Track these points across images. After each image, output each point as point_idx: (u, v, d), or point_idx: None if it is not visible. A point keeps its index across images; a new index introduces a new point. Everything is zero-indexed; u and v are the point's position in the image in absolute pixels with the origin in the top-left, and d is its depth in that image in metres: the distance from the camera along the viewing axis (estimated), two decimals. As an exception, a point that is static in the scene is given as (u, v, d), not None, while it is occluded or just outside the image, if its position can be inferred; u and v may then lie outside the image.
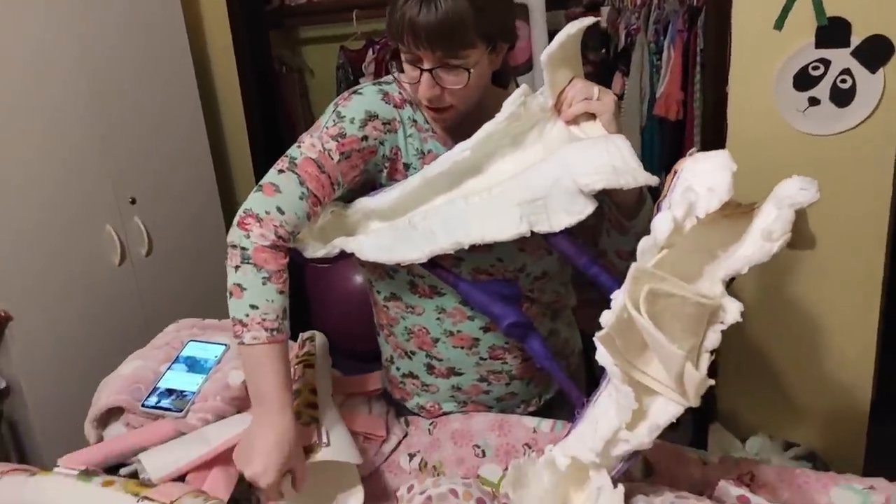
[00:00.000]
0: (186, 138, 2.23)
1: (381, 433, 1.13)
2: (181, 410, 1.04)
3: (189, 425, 1.02)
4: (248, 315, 0.91)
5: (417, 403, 1.18)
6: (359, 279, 1.83)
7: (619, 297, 0.74)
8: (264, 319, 0.91)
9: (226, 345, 1.16)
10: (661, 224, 0.74)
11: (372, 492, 1.02)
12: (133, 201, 2.01)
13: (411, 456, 1.12)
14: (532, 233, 0.91)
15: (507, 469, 1.03)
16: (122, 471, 0.98)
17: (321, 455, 0.91)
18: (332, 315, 1.73)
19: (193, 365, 1.12)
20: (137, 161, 2.04)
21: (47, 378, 1.81)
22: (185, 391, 1.07)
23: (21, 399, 1.79)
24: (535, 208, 0.90)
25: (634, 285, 0.71)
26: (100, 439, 1.07)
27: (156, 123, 2.11)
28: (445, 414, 1.16)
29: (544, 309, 1.11)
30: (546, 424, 1.06)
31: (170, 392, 1.07)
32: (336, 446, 0.94)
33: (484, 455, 1.06)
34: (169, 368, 1.12)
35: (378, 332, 1.22)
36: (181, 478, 0.93)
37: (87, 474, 0.87)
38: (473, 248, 0.95)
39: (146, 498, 0.82)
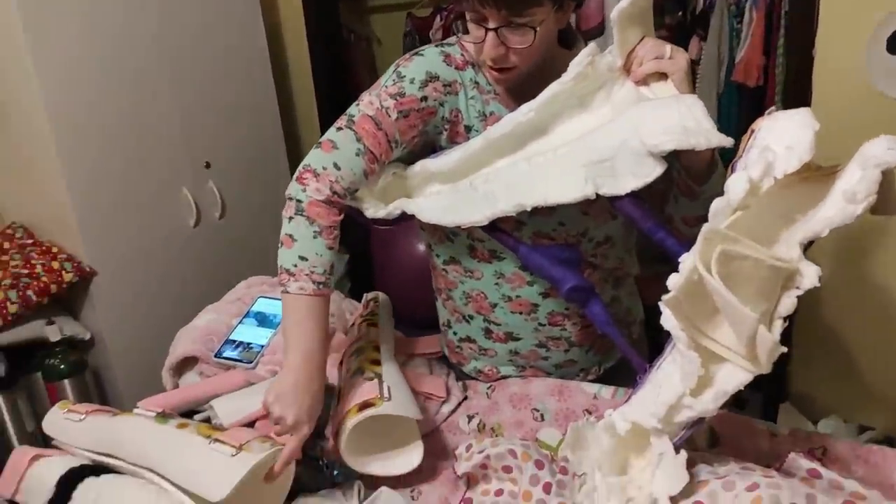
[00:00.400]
0: (258, 106, 2.29)
1: (442, 394, 1.14)
2: (251, 362, 1.08)
3: (258, 376, 1.07)
4: (295, 265, 0.94)
5: (475, 367, 1.19)
6: (421, 245, 1.84)
7: (688, 259, 0.72)
8: (312, 272, 0.94)
9: (293, 302, 1.20)
10: (736, 184, 0.71)
11: (431, 449, 1.04)
12: (207, 165, 2.08)
13: (470, 418, 1.13)
14: (597, 196, 0.89)
15: (566, 433, 1.04)
16: (196, 416, 1.03)
17: (382, 409, 0.93)
18: (395, 279, 1.75)
19: (263, 320, 1.16)
20: (212, 127, 2.11)
21: (128, 331, 1.92)
22: (254, 344, 1.11)
23: (104, 350, 1.90)
24: (601, 170, 0.88)
25: (706, 246, 0.68)
26: (175, 386, 1.13)
27: (229, 92, 2.17)
28: (504, 378, 1.16)
29: (606, 276, 1.10)
30: (607, 391, 1.05)
31: (240, 344, 1.11)
32: (397, 401, 0.96)
33: (542, 419, 1.06)
34: (240, 322, 1.16)
35: (436, 297, 1.23)
36: (250, 424, 0.97)
37: (163, 416, 0.92)
38: (535, 211, 0.94)
39: (217, 440, 0.86)
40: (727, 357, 0.73)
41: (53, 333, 1.80)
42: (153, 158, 1.95)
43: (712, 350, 0.75)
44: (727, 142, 0.83)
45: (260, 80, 2.29)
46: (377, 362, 1.04)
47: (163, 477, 0.86)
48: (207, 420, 1.00)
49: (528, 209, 0.92)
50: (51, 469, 0.90)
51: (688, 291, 0.72)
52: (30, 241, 1.86)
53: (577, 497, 0.79)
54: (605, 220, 1.03)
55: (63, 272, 1.77)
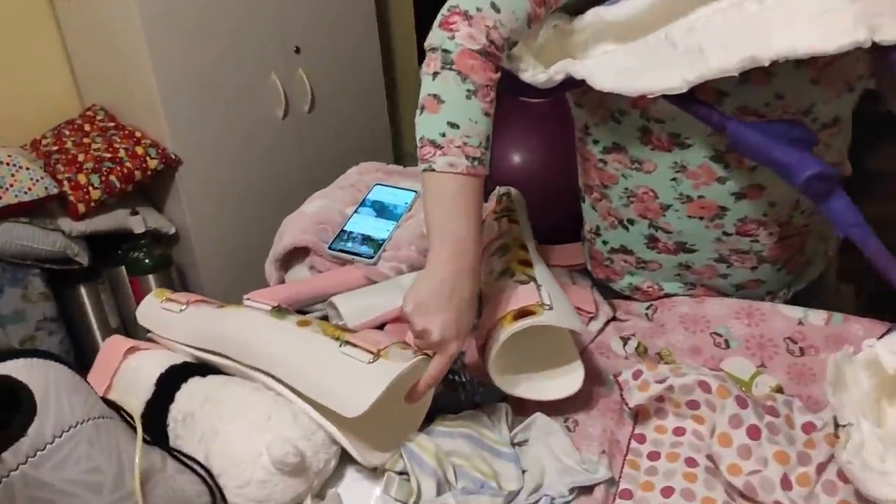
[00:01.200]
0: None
1: (590, 308, 0.96)
2: (372, 257, 0.91)
3: (380, 273, 0.90)
4: (444, 135, 0.73)
5: (630, 283, 0.99)
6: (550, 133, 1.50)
7: None
8: (465, 143, 0.73)
9: (416, 191, 1.01)
10: None
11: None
12: (297, 50, 1.90)
13: (624, 340, 0.93)
14: (872, 44, 0.65)
15: (761, 366, 0.84)
16: (310, 315, 0.87)
17: (544, 318, 0.75)
18: (526, 173, 1.51)
19: (382, 210, 0.98)
20: (303, 10, 1.91)
21: (213, 226, 1.81)
22: (375, 237, 0.94)
23: (189, 245, 1.80)
24: (880, 6, 0.64)
25: None
26: (281, 281, 0.98)
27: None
28: (668, 296, 0.96)
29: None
30: (818, 317, 0.84)
31: (358, 236, 0.94)
32: (560, 310, 0.77)
33: (727, 346, 0.86)
34: (356, 212, 0.99)
35: (582, 197, 1.02)
36: (379, 328, 0.80)
37: (280, 311, 0.76)
38: (746, 77, 0.72)
39: (349, 343, 0.69)
40: None
41: (138, 225, 1.69)
42: (242, 41, 1.78)
43: None
44: None
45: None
46: (528, 263, 0.85)
47: (281, 382, 0.70)
48: (325, 318, 0.84)
49: (766, 63, 0.68)
50: (149, 365, 0.76)
51: None
52: (112, 125, 1.73)
53: (843, 455, 0.59)
54: (838, 92, 0.79)
55: (147, 158, 1.64)
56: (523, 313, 0.76)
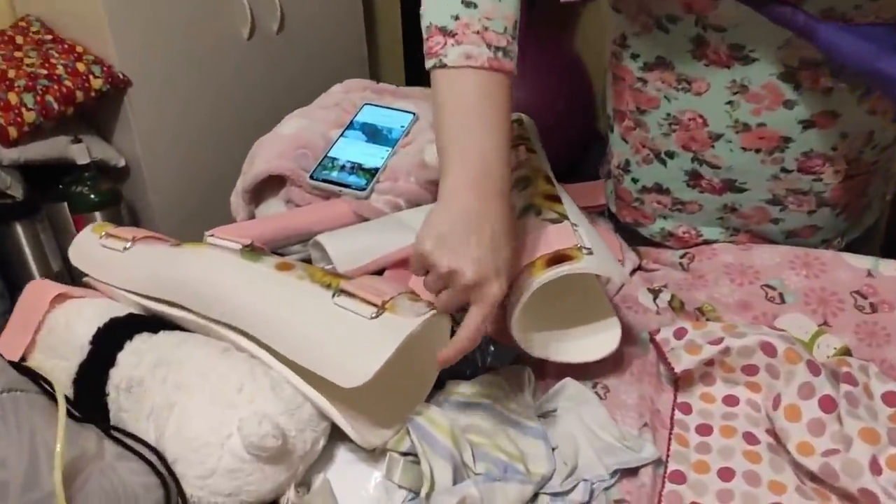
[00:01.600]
0: None
1: (617, 255, 0.82)
2: (364, 189, 0.75)
3: (373, 209, 0.74)
4: (457, 17, 0.58)
5: (662, 228, 0.86)
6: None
7: None
8: (486, 28, 0.58)
9: (414, 113, 0.85)
10: None
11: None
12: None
13: (655, 293, 0.80)
14: None
15: (823, 324, 0.71)
16: (289, 257, 0.72)
17: (584, 265, 0.61)
18: (539, 96, 1.34)
19: (374, 134, 0.82)
20: None
21: (168, 158, 1.61)
22: (366, 165, 0.77)
23: (141, 180, 1.60)
24: None
25: None
26: (251, 217, 0.81)
27: None
28: (707, 243, 0.83)
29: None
30: (890, 267, 0.72)
31: (347, 164, 0.78)
32: (600, 256, 0.63)
33: (782, 300, 0.74)
34: (342, 135, 0.82)
35: (611, 126, 0.87)
36: (377, 273, 0.65)
37: (253, 251, 0.60)
38: None
39: (345, 292, 0.54)
40: None
41: (81, 154, 1.48)
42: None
43: None
44: None
45: None
46: (555, 198, 0.70)
47: (256, 341, 0.55)
48: (307, 261, 0.69)
49: None
50: (83, 318, 0.60)
51: None
52: (49, 37, 1.50)
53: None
54: None
55: (91, 77, 1.43)
56: (557, 258, 0.61)
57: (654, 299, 0.80)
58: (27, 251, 1.52)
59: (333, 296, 0.54)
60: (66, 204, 1.54)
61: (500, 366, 0.69)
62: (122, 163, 1.58)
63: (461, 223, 0.54)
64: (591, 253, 0.62)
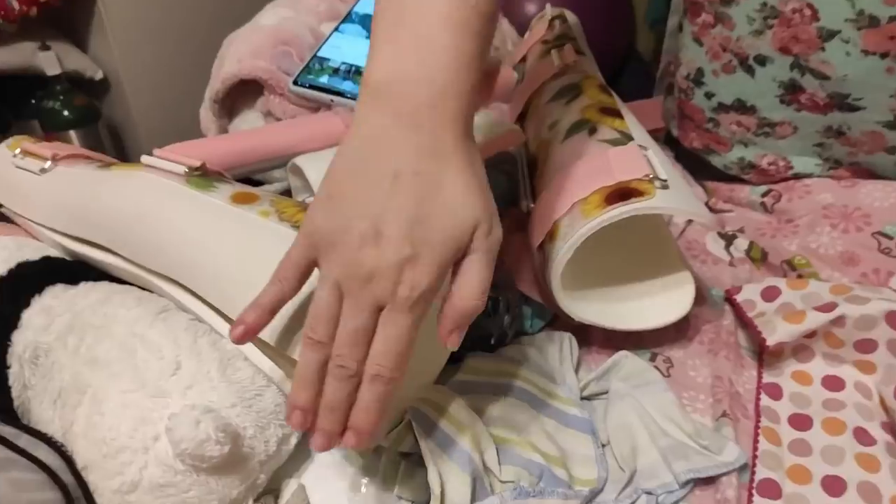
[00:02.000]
0: None
1: (682, 191, 0.65)
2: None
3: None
4: None
5: (741, 158, 0.68)
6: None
7: None
8: None
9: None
10: None
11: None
12: None
13: (727, 239, 0.64)
14: None
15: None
16: (265, 188, 0.56)
17: (658, 201, 0.44)
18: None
19: (376, 28, 0.64)
20: None
21: (151, 70, 1.43)
22: (363, 67, 0.60)
23: (121, 94, 1.43)
24: None
25: None
26: (223, 132, 0.65)
27: None
28: (797, 178, 0.66)
29: None
30: None
31: (341, 67, 0.60)
32: (677, 190, 0.46)
33: (900, 254, 0.57)
34: (336, 29, 0.64)
35: (679, 25, 0.69)
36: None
37: (204, 177, 0.44)
38: None
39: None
40: None
41: (50, 64, 1.31)
42: None
43: None
44: None
45: None
46: (616, 113, 0.53)
47: (203, 301, 0.40)
48: (288, 193, 0.53)
49: None
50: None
51: None
52: (7, -75, 1.30)
53: None
54: None
55: (55, -29, 1.24)
56: (621, 193, 0.45)
57: (727, 247, 0.64)
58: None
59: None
60: (37, 122, 1.38)
61: (533, 332, 0.54)
62: (99, 74, 1.41)
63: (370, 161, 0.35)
64: (665, 187, 0.45)
